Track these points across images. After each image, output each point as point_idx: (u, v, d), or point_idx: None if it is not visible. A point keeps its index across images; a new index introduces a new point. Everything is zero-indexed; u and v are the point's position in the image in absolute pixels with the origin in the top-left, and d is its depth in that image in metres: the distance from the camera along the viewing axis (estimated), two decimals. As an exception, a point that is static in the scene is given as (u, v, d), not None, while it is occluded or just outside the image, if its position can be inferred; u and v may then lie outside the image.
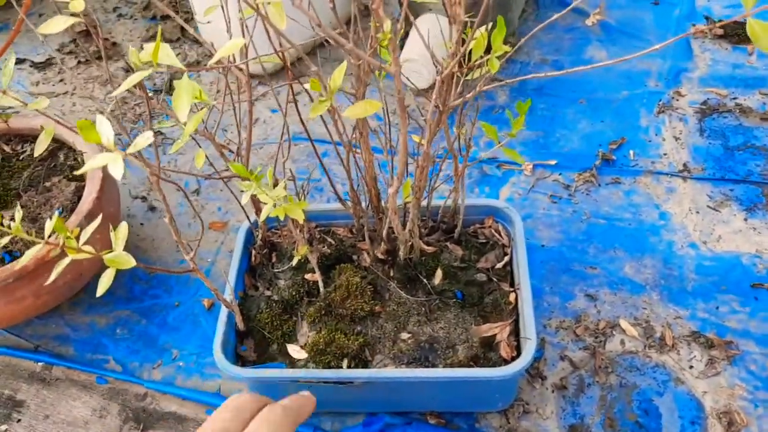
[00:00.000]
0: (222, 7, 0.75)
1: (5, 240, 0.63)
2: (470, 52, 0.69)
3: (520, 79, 0.68)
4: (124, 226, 0.66)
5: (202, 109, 0.63)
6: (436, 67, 0.71)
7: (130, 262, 0.63)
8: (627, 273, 1.11)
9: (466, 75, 0.73)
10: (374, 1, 0.54)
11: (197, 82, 1.56)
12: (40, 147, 0.69)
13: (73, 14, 0.56)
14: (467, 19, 0.61)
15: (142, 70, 0.55)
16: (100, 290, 0.65)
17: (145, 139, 0.55)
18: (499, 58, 0.64)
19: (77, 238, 0.63)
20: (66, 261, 0.63)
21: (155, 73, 1.62)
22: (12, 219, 1.05)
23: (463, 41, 0.66)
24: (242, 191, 0.70)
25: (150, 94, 0.59)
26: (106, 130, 0.54)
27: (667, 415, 0.94)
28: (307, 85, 0.70)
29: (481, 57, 0.68)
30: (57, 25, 0.56)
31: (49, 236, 0.64)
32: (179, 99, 0.54)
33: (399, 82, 0.62)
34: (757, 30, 0.48)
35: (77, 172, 0.62)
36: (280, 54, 0.75)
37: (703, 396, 0.95)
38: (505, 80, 0.71)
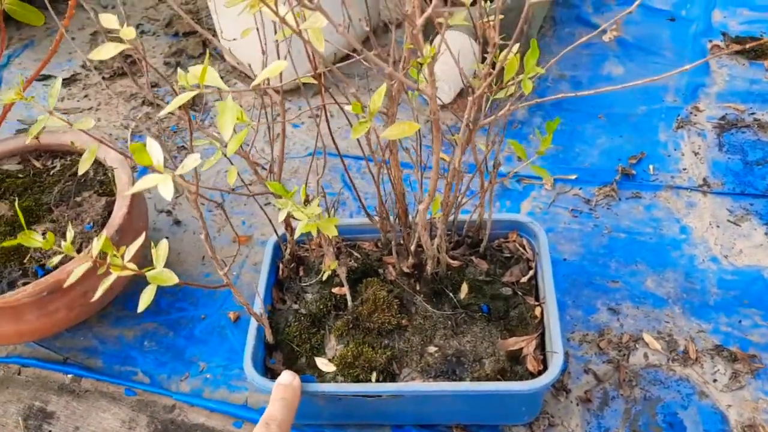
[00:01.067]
0: (257, 29, 0.77)
1: (56, 259, 0.65)
2: (501, 72, 0.71)
3: (549, 99, 0.69)
4: (164, 244, 0.68)
5: (244, 128, 0.64)
6: (463, 84, 0.72)
7: (172, 278, 0.65)
8: (649, 287, 1.12)
9: (496, 94, 0.75)
10: (415, 27, 0.56)
11: (218, 99, 1.58)
12: (84, 166, 0.71)
13: (121, 41, 0.58)
14: (499, 42, 0.63)
15: (189, 90, 0.56)
16: (142, 306, 0.67)
17: (192, 161, 0.57)
18: (531, 78, 0.65)
19: (122, 255, 0.65)
20: (112, 278, 0.64)
21: (179, 89, 1.65)
22: (44, 234, 1.08)
23: (493, 62, 0.68)
24: (279, 209, 0.72)
25: (197, 92, 0.60)
26: (156, 152, 0.56)
27: (691, 429, 0.95)
28: (340, 100, 0.72)
29: (514, 77, 0.69)
30: (108, 51, 0.58)
31: (93, 253, 0.66)
32: (224, 119, 0.56)
33: (434, 103, 0.64)
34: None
35: (129, 192, 0.63)
36: (314, 73, 0.76)
37: (727, 409, 0.96)
38: (536, 99, 0.72)
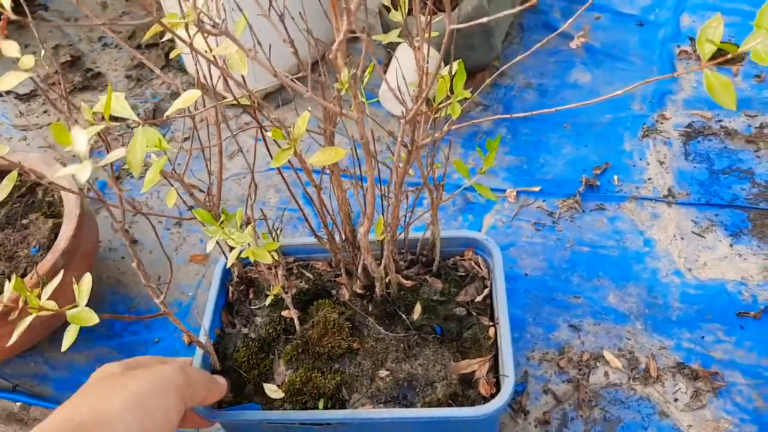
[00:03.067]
0: (191, 53, 0.74)
1: None
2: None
3: (485, 119, 0.67)
4: (87, 280, 0.65)
5: (162, 158, 0.62)
6: (401, 103, 0.70)
7: (92, 319, 0.62)
8: (611, 302, 1.10)
9: (435, 114, 0.72)
10: (332, 52, 0.53)
11: (181, 111, 1.55)
12: (4, 192, 0.68)
13: (26, 70, 0.56)
14: (426, 65, 0.60)
15: (95, 125, 0.54)
16: (65, 346, 0.64)
17: (116, 154, 0.53)
18: (460, 102, 0.63)
19: (39, 296, 0.62)
20: (28, 320, 0.62)
21: (139, 102, 1.62)
22: (-13, 258, 1.04)
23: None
24: (209, 237, 0.69)
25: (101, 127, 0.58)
26: (80, 138, 0.52)
27: (651, 450, 0.92)
28: (271, 116, 0.69)
29: (448, 98, 0.67)
30: (10, 81, 0.55)
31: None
32: (133, 153, 0.53)
33: (362, 127, 0.61)
34: (713, 83, 0.47)
35: (51, 177, 0.60)
36: (247, 97, 0.74)
37: (688, 430, 0.94)
38: (473, 120, 0.70)
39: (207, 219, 0.67)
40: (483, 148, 1.36)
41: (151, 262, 1.25)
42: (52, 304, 0.66)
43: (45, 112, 1.62)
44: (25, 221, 1.11)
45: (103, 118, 0.54)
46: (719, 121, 1.38)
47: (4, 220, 1.11)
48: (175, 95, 1.60)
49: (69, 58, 1.73)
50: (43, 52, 0.64)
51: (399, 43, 0.76)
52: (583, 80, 1.53)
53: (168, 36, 0.66)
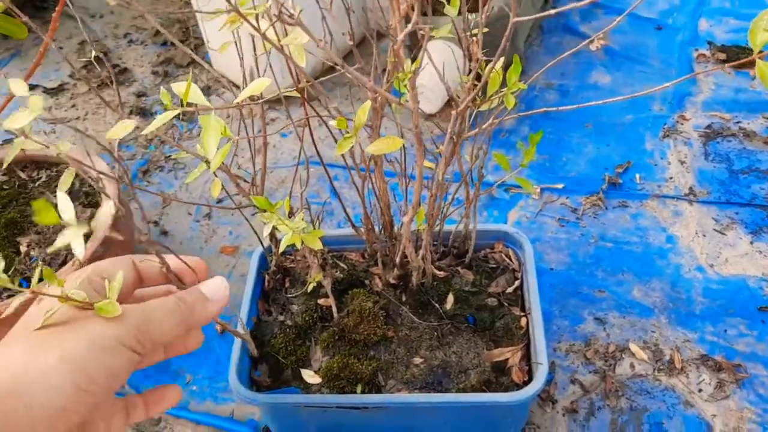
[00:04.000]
0: (235, 43, 0.77)
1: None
2: (484, 85, 0.71)
3: (532, 112, 0.69)
4: (119, 277, 0.64)
5: (226, 143, 0.64)
6: (448, 95, 0.72)
7: (116, 310, 0.61)
8: (635, 296, 1.13)
9: (479, 107, 0.75)
10: (396, 42, 0.56)
11: (207, 107, 1.58)
12: (63, 186, 0.70)
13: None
14: (483, 58, 0.63)
15: (171, 109, 0.56)
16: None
17: (106, 208, 0.56)
18: (514, 93, 0.65)
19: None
20: (56, 308, 0.63)
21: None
22: (29, 246, 1.07)
23: (477, 75, 0.68)
24: (264, 223, 0.72)
25: (179, 110, 0.60)
26: (65, 206, 0.51)
27: (677, 439, 0.95)
28: (320, 112, 0.72)
29: (497, 91, 0.69)
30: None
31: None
32: (207, 137, 0.56)
33: (417, 117, 0.64)
34: (766, 72, 0.49)
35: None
36: (298, 85, 0.76)
37: (712, 419, 0.96)
38: (518, 113, 0.72)
39: (264, 204, 0.70)
40: (506, 146, 1.39)
41: (182, 253, 1.27)
42: (81, 294, 0.67)
43: (73, 106, 1.64)
44: (63, 210, 1.13)
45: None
46: (738, 122, 1.41)
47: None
48: (202, 90, 1.62)
49: (96, 54, 1.75)
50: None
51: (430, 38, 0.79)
52: (603, 81, 1.56)
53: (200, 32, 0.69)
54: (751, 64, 1.50)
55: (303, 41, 0.57)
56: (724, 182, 1.29)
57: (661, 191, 1.29)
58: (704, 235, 1.20)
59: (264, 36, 0.57)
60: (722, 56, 1.56)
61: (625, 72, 1.58)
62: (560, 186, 1.31)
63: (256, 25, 0.57)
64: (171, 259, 0.64)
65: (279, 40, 0.61)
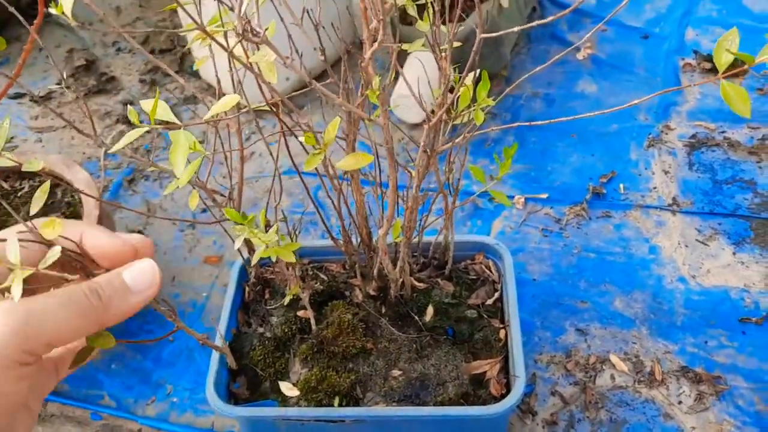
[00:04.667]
0: (212, 59, 0.77)
1: None
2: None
3: (517, 124, 0.70)
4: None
5: (195, 160, 0.64)
6: (422, 108, 0.72)
7: (110, 342, 0.60)
8: (617, 307, 1.13)
9: (454, 120, 0.75)
10: (363, 59, 0.56)
11: (194, 116, 1.58)
12: (36, 204, 0.70)
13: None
14: (454, 73, 0.63)
15: (139, 127, 0.56)
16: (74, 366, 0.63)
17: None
18: (483, 109, 0.65)
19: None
20: None
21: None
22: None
23: (452, 88, 0.68)
24: (237, 235, 0.72)
25: (147, 128, 0.60)
26: (12, 249, 0.49)
27: (656, 451, 0.95)
28: (299, 122, 0.72)
29: (468, 106, 0.69)
30: None
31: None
32: (176, 154, 0.56)
33: (388, 132, 0.64)
34: (730, 93, 0.49)
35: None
36: (270, 100, 0.76)
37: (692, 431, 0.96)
38: (491, 127, 0.73)
39: (236, 218, 0.70)
40: (491, 155, 1.39)
41: (166, 263, 1.28)
42: None
43: (60, 114, 1.64)
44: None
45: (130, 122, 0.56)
46: (722, 132, 1.41)
47: (24, 220, 1.13)
48: (189, 100, 1.63)
49: (83, 62, 1.76)
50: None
51: (408, 51, 0.79)
52: (590, 90, 1.56)
53: (194, 43, 0.69)
54: (737, 75, 1.50)
55: (271, 59, 0.57)
56: (708, 192, 1.29)
57: (644, 201, 1.29)
58: (687, 246, 1.20)
59: (231, 54, 0.57)
60: (708, 65, 1.56)
61: (612, 81, 1.58)
62: (544, 196, 1.31)
63: (223, 44, 0.57)
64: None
65: (248, 57, 0.61)
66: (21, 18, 0.73)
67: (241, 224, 0.72)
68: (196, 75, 1.70)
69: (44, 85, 1.72)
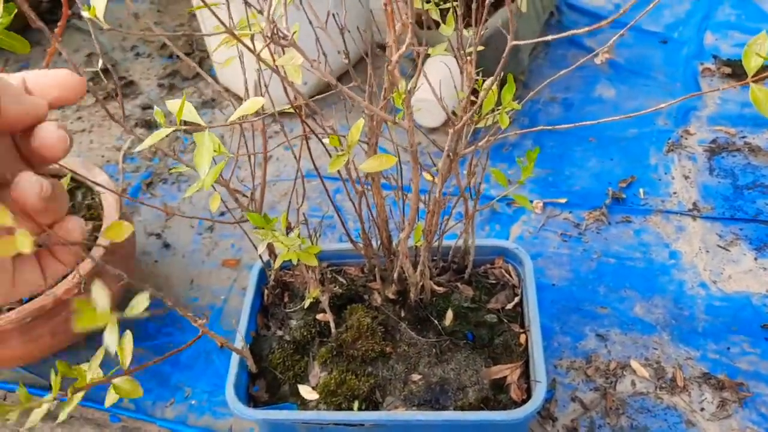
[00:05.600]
0: (239, 58, 0.77)
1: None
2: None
3: (536, 129, 0.69)
4: (129, 339, 0.63)
5: (220, 162, 0.64)
6: (446, 112, 0.72)
7: (137, 392, 0.62)
8: (637, 313, 1.12)
9: (477, 124, 0.75)
10: (390, 63, 0.56)
11: (212, 119, 1.59)
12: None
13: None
14: (478, 77, 0.63)
15: (165, 128, 0.56)
16: (108, 404, 0.64)
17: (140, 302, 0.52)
18: (507, 113, 0.65)
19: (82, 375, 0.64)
20: (79, 397, 0.64)
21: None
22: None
23: (474, 90, 0.68)
24: (260, 240, 0.72)
25: (173, 129, 0.61)
26: (101, 300, 0.50)
27: (678, 459, 0.94)
28: (324, 124, 0.72)
29: (493, 110, 0.69)
30: None
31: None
32: (200, 156, 0.56)
33: (412, 136, 0.64)
34: (759, 97, 0.49)
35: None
36: (294, 103, 0.76)
37: (714, 439, 0.95)
38: (515, 131, 0.72)
39: (258, 222, 0.70)
40: (508, 159, 1.39)
41: (184, 266, 1.28)
42: (98, 374, 0.67)
43: (79, 118, 1.65)
44: (65, 223, 1.14)
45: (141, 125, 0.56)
46: (743, 137, 1.40)
47: (45, 222, 1.14)
48: (207, 103, 1.63)
49: (102, 66, 1.77)
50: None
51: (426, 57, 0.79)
52: (608, 95, 1.55)
53: (214, 48, 0.69)
54: (761, 79, 1.49)
55: (299, 62, 0.57)
56: (729, 198, 1.28)
57: (664, 206, 1.28)
58: (708, 251, 1.19)
59: (258, 57, 0.57)
60: (727, 70, 1.55)
61: (630, 85, 1.57)
62: (563, 200, 1.31)
63: (251, 47, 0.57)
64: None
65: (275, 60, 0.61)
66: (42, 25, 0.74)
67: (263, 228, 0.72)
68: (214, 79, 1.70)
69: (64, 89, 1.74)
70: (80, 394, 0.63)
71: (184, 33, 0.53)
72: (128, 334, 0.63)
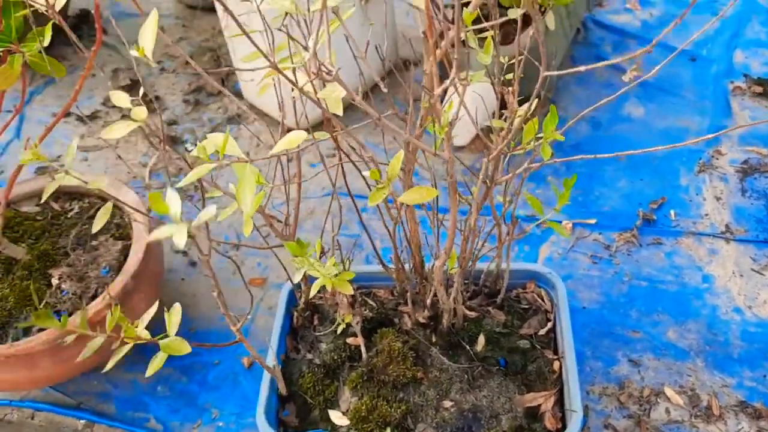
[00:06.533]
0: (275, 86, 0.76)
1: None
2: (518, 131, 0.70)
3: (567, 159, 0.68)
4: (177, 310, 0.67)
5: (260, 191, 0.64)
6: (480, 135, 0.71)
7: (185, 348, 0.64)
8: (670, 338, 1.10)
9: (514, 151, 0.74)
10: (432, 96, 0.55)
11: (238, 135, 1.59)
12: (99, 224, 0.71)
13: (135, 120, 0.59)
14: (517, 107, 0.62)
15: (206, 163, 0.56)
16: (150, 371, 0.67)
17: (207, 214, 0.56)
18: (550, 144, 0.64)
19: (137, 326, 0.65)
20: (126, 348, 0.64)
21: (196, 126, 1.66)
22: (61, 278, 1.08)
23: (502, 104, 0.67)
24: (296, 268, 0.71)
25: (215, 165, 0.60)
26: (174, 203, 0.55)
27: (716, 490, 0.92)
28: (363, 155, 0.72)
29: (532, 139, 0.68)
30: (120, 131, 0.58)
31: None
32: (243, 191, 0.55)
33: (452, 167, 0.63)
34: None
35: (144, 240, 0.63)
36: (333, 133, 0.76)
37: (752, 470, 0.93)
38: (554, 159, 0.71)
39: (296, 251, 0.69)
40: (537, 179, 1.38)
41: (210, 284, 1.27)
42: (146, 334, 0.69)
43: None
44: (94, 243, 1.14)
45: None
46: (775, 157, 1.38)
47: (74, 241, 1.14)
48: (232, 119, 1.64)
49: (128, 82, 1.78)
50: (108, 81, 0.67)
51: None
52: (636, 113, 1.54)
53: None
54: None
55: (340, 95, 0.57)
56: (762, 220, 1.26)
57: (696, 228, 1.26)
58: (742, 275, 1.17)
59: (301, 91, 0.56)
60: (759, 89, 1.53)
61: (658, 104, 1.55)
62: (593, 221, 1.29)
63: (294, 80, 0.56)
64: None
65: (315, 92, 0.60)
66: (76, 41, 0.74)
67: (300, 256, 0.71)
68: (238, 95, 1.71)
69: (90, 105, 1.75)
70: (128, 346, 0.65)
71: (215, 56, 0.53)
72: (177, 306, 0.66)
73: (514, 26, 1.46)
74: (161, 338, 0.65)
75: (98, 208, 1.21)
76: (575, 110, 1.54)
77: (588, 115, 1.55)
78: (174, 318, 0.67)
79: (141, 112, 0.58)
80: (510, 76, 0.73)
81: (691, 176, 1.37)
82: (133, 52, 0.53)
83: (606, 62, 0.66)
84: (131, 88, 1.77)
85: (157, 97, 1.75)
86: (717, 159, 1.40)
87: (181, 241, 0.56)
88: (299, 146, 0.70)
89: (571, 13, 1.54)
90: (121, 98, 0.59)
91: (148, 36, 0.53)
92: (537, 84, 0.60)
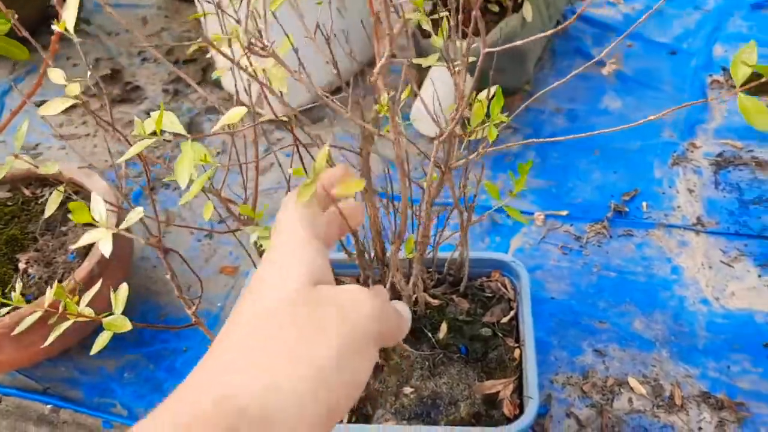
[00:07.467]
0: (231, 69, 0.76)
1: (4, 311, 0.66)
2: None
3: (540, 141, 0.68)
4: (124, 289, 0.67)
5: (207, 171, 0.64)
6: (436, 124, 0.71)
7: (126, 325, 0.64)
8: (637, 328, 1.10)
9: (469, 136, 0.74)
10: (373, 75, 0.55)
11: (214, 126, 1.59)
12: (51, 207, 0.71)
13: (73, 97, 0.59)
14: (467, 90, 0.62)
15: (146, 138, 0.56)
16: (94, 349, 0.67)
17: (136, 214, 0.57)
18: (497, 125, 0.64)
19: (78, 302, 0.65)
20: (66, 324, 0.64)
21: (176, 116, 1.66)
22: (27, 263, 1.08)
23: (471, 104, 0.67)
24: (249, 234, 0.71)
25: (169, 138, 0.60)
26: (99, 207, 0.55)
27: (674, 479, 0.92)
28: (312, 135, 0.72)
29: (483, 122, 0.68)
30: (56, 106, 0.58)
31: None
32: (181, 166, 0.56)
33: (398, 147, 0.63)
34: (748, 106, 0.48)
35: (74, 246, 0.63)
36: (283, 114, 0.76)
37: (712, 460, 0.93)
38: (506, 144, 0.71)
39: (248, 212, 0.69)
40: (512, 170, 1.38)
41: (183, 272, 1.27)
42: (89, 311, 0.68)
43: (84, 123, 1.66)
44: (64, 228, 1.14)
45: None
46: (750, 151, 1.38)
47: (43, 227, 1.14)
48: (210, 110, 1.64)
49: (109, 72, 1.78)
50: (89, 74, 0.67)
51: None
52: (614, 106, 1.54)
53: (210, 53, 0.69)
54: (764, 91, 1.47)
55: (280, 72, 0.57)
56: (734, 212, 1.26)
57: (667, 220, 1.26)
58: (710, 267, 1.18)
59: (237, 65, 0.56)
60: (736, 83, 1.53)
61: (637, 97, 1.55)
62: (564, 213, 1.29)
63: (230, 56, 0.56)
64: None
65: (263, 71, 0.60)
66: (36, 45, 0.74)
67: (252, 218, 0.71)
68: (218, 85, 1.71)
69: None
70: (68, 322, 0.65)
71: (187, 40, 0.53)
72: (124, 285, 0.66)
73: (490, 17, 1.46)
74: (105, 316, 0.65)
75: (69, 195, 1.21)
76: (554, 104, 1.55)
77: (565, 108, 1.55)
78: (120, 296, 0.67)
79: (75, 88, 0.58)
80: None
81: (665, 169, 1.37)
82: (55, 27, 0.52)
83: (588, 63, 0.66)
84: (112, 77, 1.77)
85: (137, 87, 1.74)
86: (692, 152, 1.40)
87: (106, 248, 0.56)
88: (242, 121, 0.70)
89: (551, 4, 1.54)
90: (56, 74, 0.58)
91: (70, 11, 0.53)
92: (510, 75, 0.60)
